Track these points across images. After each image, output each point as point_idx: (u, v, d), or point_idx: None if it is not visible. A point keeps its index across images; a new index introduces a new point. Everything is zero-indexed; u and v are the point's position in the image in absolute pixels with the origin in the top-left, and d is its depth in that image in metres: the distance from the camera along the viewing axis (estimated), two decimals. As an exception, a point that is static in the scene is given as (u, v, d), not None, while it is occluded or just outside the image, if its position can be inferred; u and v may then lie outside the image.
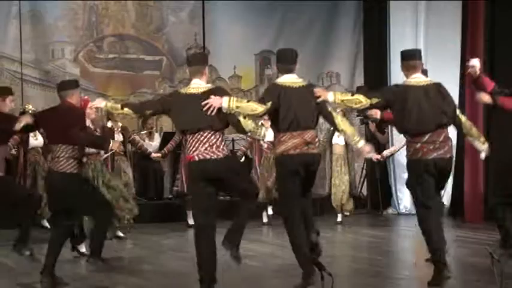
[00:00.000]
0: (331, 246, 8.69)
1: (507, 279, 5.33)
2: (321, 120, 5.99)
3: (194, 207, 5.81)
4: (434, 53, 11.93)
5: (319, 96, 5.79)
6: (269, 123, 10.45)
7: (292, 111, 5.70)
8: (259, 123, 10.10)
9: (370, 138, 12.49)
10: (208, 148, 5.48)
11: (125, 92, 12.48)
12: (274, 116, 5.80)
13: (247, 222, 5.76)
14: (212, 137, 5.51)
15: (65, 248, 6.40)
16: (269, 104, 5.68)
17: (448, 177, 6.16)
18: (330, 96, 5.82)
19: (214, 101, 5.45)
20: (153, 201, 11.45)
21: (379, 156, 10.40)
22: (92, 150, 7.33)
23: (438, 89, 6.01)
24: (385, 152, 10.35)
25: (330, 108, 5.91)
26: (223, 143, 5.58)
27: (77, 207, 6.21)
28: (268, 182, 10.26)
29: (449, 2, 11.47)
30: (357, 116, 11.75)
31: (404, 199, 11.98)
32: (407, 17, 12.17)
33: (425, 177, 5.93)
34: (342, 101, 5.88)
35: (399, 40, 12.06)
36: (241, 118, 5.64)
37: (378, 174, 12.19)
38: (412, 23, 12.16)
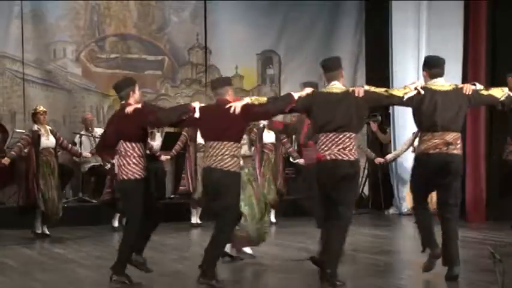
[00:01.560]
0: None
1: (509, 279, 5.32)
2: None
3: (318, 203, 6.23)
4: (436, 53, 11.74)
5: (468, 92, 6.02)
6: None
7: (435, 113, 5.91)
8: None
9: (371, 138, 12.54)
10: (341, 150, 5.69)
11: (126, 91, 12.46)
12: (416, 115, 6.04)
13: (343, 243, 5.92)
14: (347, 140, 5.71)
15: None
16: (409, 93, 5.91)
17: None
18: (478, 85, 6.14)
19: (359, 89, 5.77)
20: (154, 200, 11.46)
21: (382, 160, 10.41)
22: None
23: None
24: (389, 156, 10.36)
25: (484, 91, 6.10)
26: (355, 148, 5.78)
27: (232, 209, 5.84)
28: (276, 183, 10.27)
29: (451, 2, 11.44)
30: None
31: (406, 199, 11.95)
32: (409, 17, 12.14)
33: None
34: (486, 88, 6.20)
35: (401, 40, 12.04)
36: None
37: (380, 175, 12.18)
38: (414, 23, 12.12)
